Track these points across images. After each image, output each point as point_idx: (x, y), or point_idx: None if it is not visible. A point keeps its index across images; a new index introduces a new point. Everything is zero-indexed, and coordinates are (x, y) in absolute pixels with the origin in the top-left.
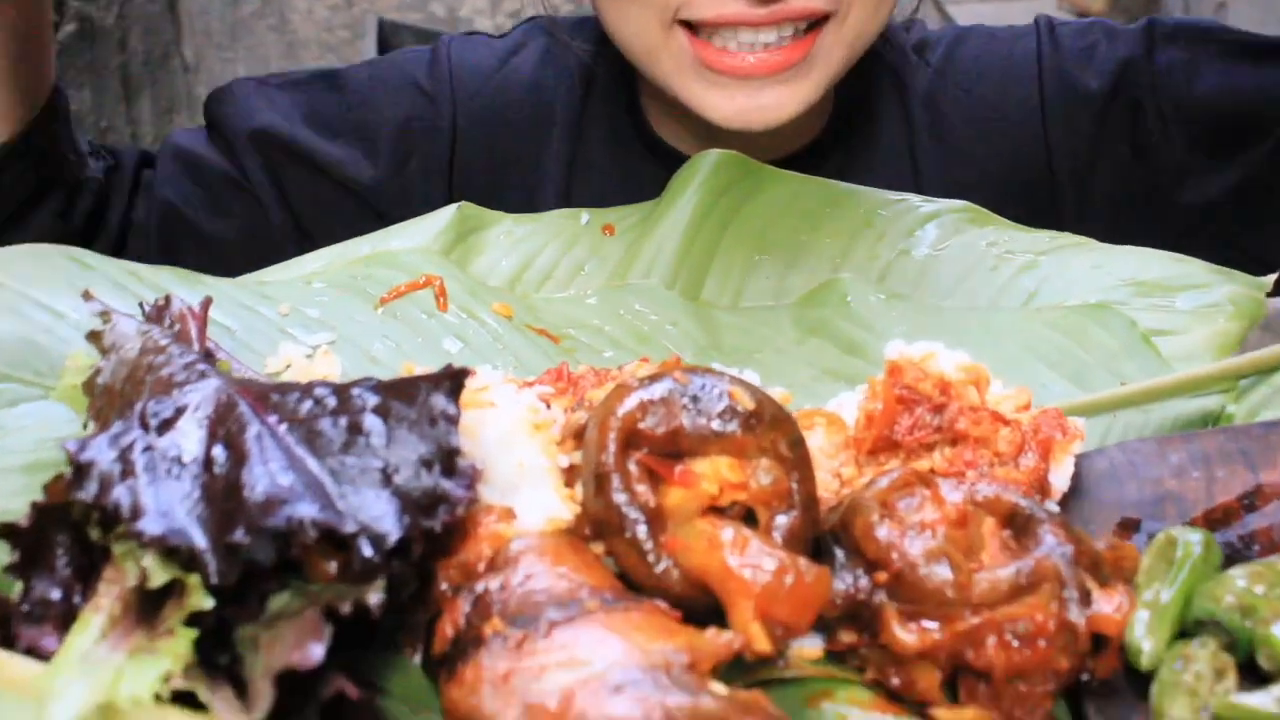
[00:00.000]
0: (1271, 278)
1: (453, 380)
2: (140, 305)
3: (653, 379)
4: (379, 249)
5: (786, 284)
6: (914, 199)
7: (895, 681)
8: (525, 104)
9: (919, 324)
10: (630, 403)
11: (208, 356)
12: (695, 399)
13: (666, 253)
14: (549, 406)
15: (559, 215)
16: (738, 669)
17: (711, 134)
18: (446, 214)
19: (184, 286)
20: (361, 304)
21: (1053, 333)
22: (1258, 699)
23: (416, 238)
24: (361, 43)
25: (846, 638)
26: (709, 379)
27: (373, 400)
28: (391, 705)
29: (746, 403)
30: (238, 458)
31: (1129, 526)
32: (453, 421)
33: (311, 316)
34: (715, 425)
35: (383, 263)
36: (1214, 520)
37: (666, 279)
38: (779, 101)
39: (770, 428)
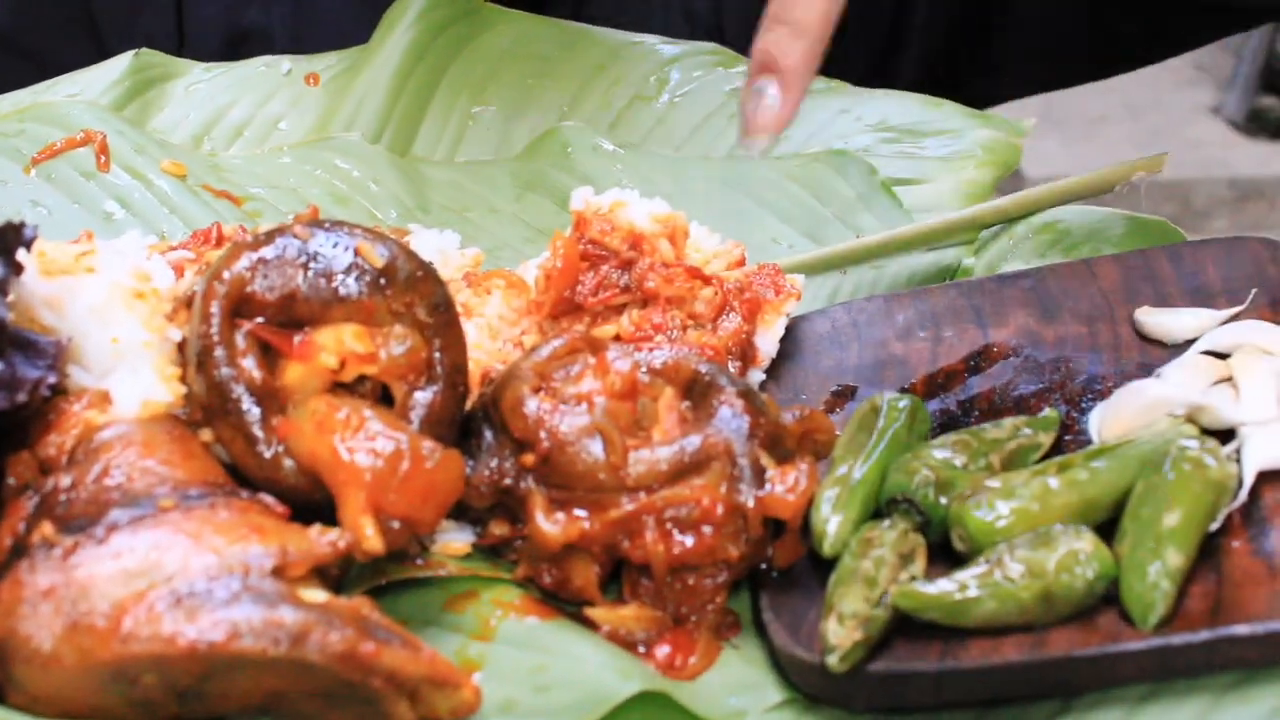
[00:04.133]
0: (1031, 121)
1: (2, 238)
2: None
3: (269, 235)
4: (39, 101)
5: (510, 136)
6: (655, 40)
7: (548, 579)
8: None
9: (645, 175)
10: (240, 264)
11: None
12: (316, 257)
13: (372, 103)
14: (182, 274)
15: (258, 64)
16: (372, 570)
17: None
18: (122, 62)
19: None
20: (11, 165)
21: (790, 183)
22: (940, 585)
23: (83, 88)
24: None
25: (498, 530)
26: (335, 234)
27: None
28: None
29: (375, 260)
30: None
31: (844, 395)
32: (1, 289)
33: None
34: (338, 287)
35: (39, 118)
36: (935, 385)
37: (372, 132)
38: None
39: (405, 288)
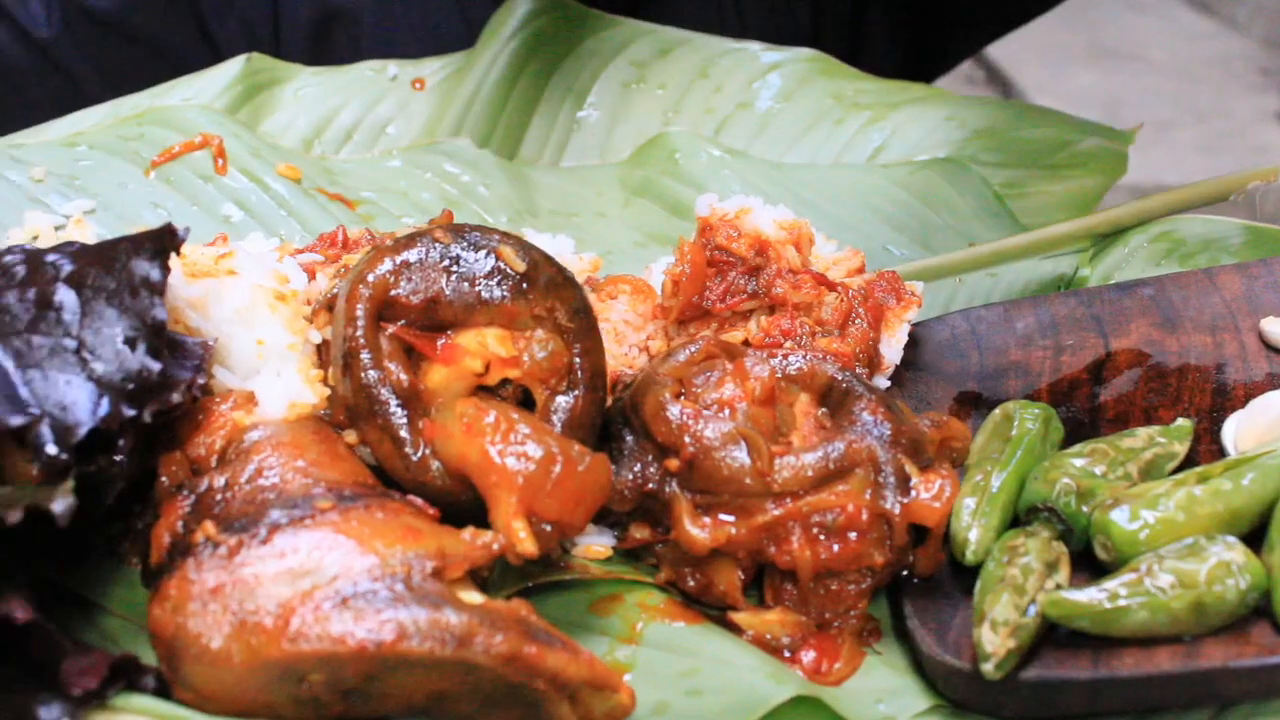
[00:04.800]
0: (1136, 130)
1: (156, 241)
2: None
3: (410, 240)
4: (155, 105)
5: (613, 140)
6: (755, 46)
7: (692, 583)
8: None
9: (754, 182)
10: (383, 267)
11: None
12: (458, 260)
13: (479, 108)
14: (314, 277)
15: (364, 68)
16: (510, 573)
17: None
18: (233, 66)
19: None
20: (130, 168)
21: (899, 190)
22: (1089, 594)
23: (197, 93)
24: None
25: (639, 534)
26: (475, 237)
27: (67, 268)
28: (115, 624)
29: (516, 264)
30: None
31: (968, 401)
32: (156, 290)
33: (71, 182)
34: (481, 290)
35: (156, 121)
36: (1060, 394)
37: (479, 136)
38: None
39: (546, 293)
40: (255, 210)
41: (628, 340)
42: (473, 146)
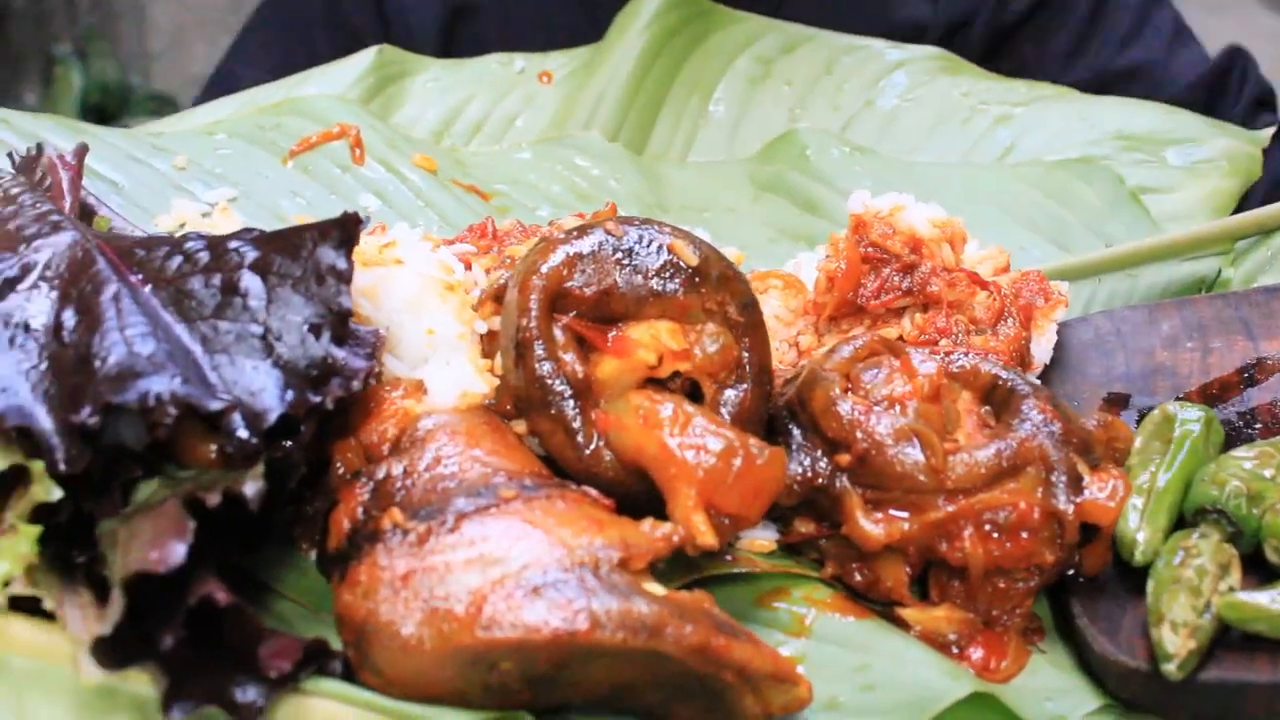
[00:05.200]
0: (1268, 132)
1: (342, 230)
2: (10, 155)
3: (581, 231)
4: (291, 95)
5: (739, 135)
6: (880, 44)
7: (858, 578)
8: None
9: (885, 179)
10: (555, 259)
11: (84, 212)
12: (631, 254)
13: (609, 102)
14: (469, 268)
15: (491, 61)
16: (678, 565)
17: None
18: (365, 58)
19: (64, 135)
20: (269, 157)
21: (1032, 190)
22: (1267, 596)
23: (331, 84)
24: None
25: (803, 528)
26: (647, 230)
27: (251, 255)
28: (288, 608)
29: (689, 258)
30: (91, 323)
31: (1117, 402)
32: (343, 279)
33: (212, 171)
34: (654, 284)
35: (293, 111)
36: (1211, 396)
37: (609, 130)
38: None
39: (718, 287)
40: (393, 201)
41: (779, 335)
42: (603, 140)
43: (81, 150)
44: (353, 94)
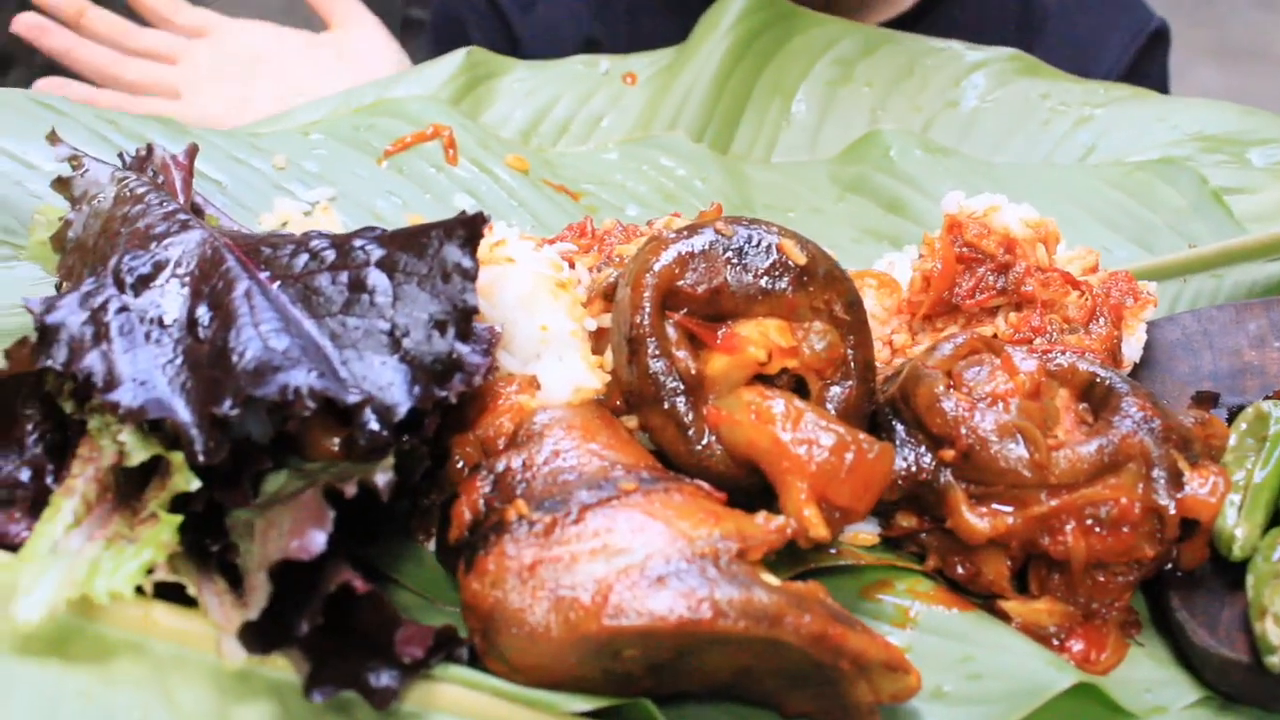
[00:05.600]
0: None
1: (468, 229)
2: (120, 156)
3: (692, 230)
4: (383, 97)
5: (821, 136)
6: (958, 46)
7: (960, 571)
8: None
9: (967, 180)
10: (667, 257)
11: (195, 211)
12: (740, 253)
13: (693, 103)
14: (572, 266)
15: (576, 62)
16: (785, 557)
17: None
18: (455, 59)
19: (169, 136)
20: (364, 157)
21: (1114, 191)
22: None
23: (422, 85)
24: None
25: (905, 522)
26: (756, 230)
27: (377, 253)
28: (405, 598)
29: (798, 257)
30: (225, 319)
31: (1206, 401)
32: (469, 276)
33: (310, 170)
34: (763, 282)
35: (386, 112)
36: None
37: (693, 131)
38: None
39: (825, 286)
40: (486, 200)
41: (874, 333)
42: (687, 141)
43: (192, 150)
44: (443, 95)
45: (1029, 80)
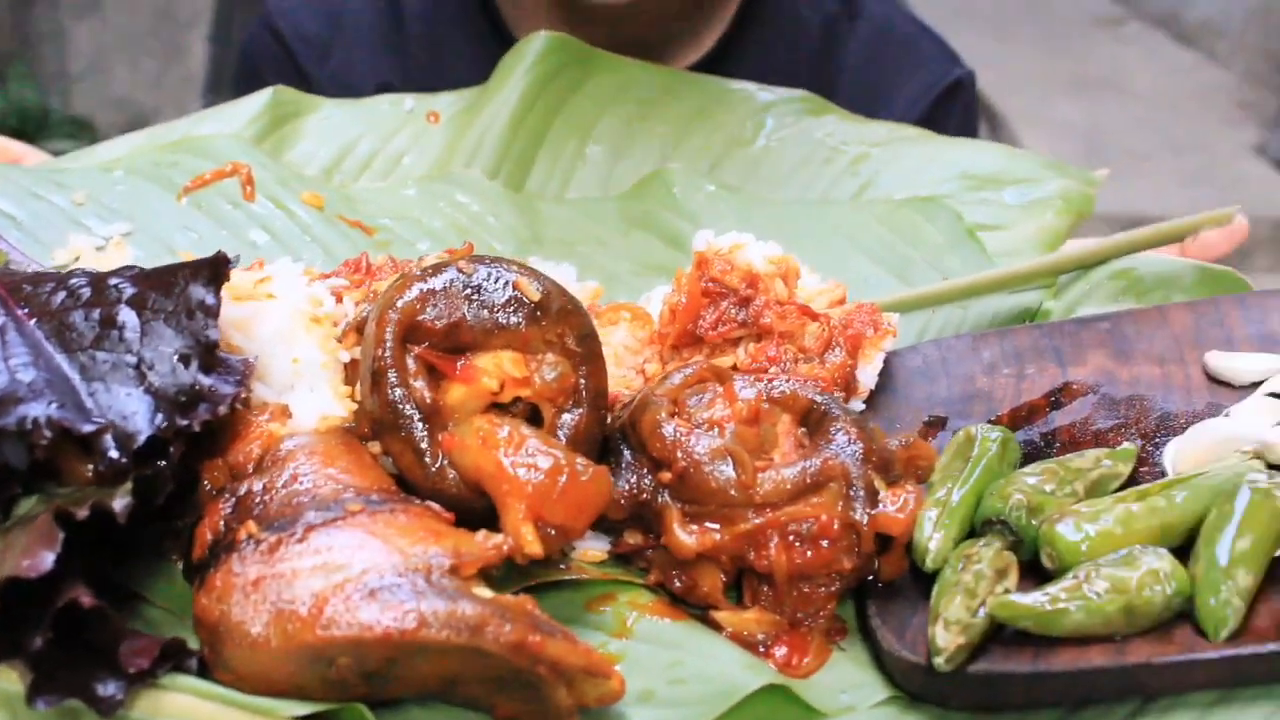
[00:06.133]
0: (1104, 172)
1: (212, 269)
2: None
3: (435, 269)
4: (189, 134)
5: (615, 174)
6: (752, 87)
7: (678, 584)
8: None
9: (747, 217)
10: (410, 294)
11: None
12: (479, 290)
13: (490, 142)
14: (340, 300)
15: (382, 101)
16: (515, 573)
17: (571, 23)
18: (262, 98)
19: None
20: (164, 193)
21: (880, 227)
22: (1033, 598)
23: (229, 123)
24: None
25: (632, 539)
26: (495, 269)
27: (129, 291)
28: (156, 614)
29: (531, 293)
30: None
31: (935, 424)
32: (211, 313)
33: (109, 206)
34: (499, 317)
35: (190, 150)
36: (1019, 418)
37: (489, 169)
38: None
39: (557, 320)
40: (280, 236)
41: (626, 363)
42: (483, 178)
43: None
44: (248, 132)
45: (815, 120)
